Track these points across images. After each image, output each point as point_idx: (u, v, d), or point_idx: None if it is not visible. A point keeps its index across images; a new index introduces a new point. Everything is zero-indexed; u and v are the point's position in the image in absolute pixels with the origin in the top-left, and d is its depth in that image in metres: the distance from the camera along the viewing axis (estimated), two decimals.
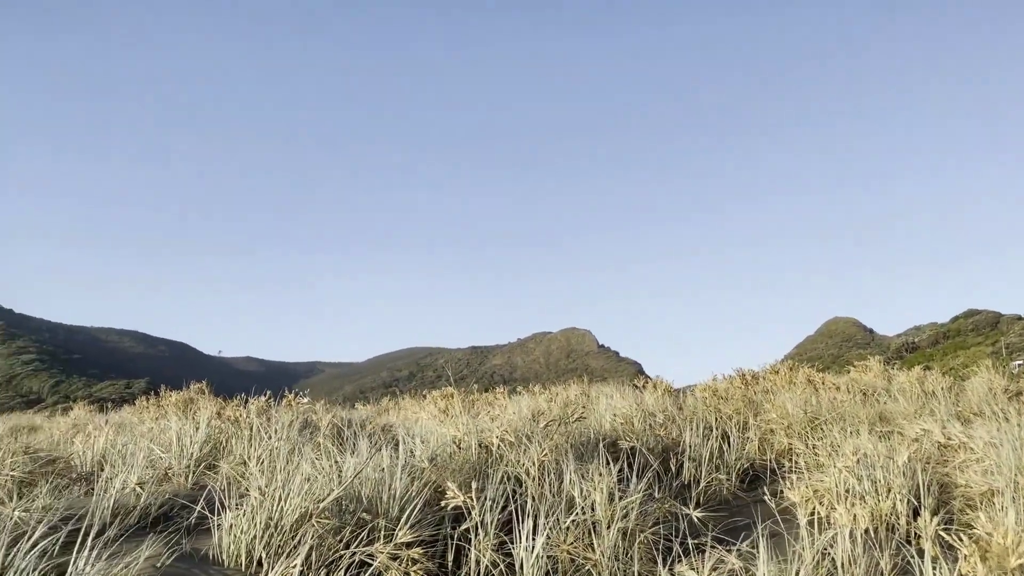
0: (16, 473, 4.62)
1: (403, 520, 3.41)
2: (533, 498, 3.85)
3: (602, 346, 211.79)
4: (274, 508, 3.36)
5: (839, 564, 3.27)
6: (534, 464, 4.27)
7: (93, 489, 4.77)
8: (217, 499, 3.66)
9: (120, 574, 2.70)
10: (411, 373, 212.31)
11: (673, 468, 5.33)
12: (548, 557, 3.44)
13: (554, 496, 3.93)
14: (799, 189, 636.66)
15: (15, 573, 2.58)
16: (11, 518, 3.29)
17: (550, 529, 3.48)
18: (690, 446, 5.65)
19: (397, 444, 4.48)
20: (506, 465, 4.36)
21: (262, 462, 4.57)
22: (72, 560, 2.67)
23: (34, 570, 2.61)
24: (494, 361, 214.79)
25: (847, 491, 4.41)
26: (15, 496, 3.90)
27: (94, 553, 2.68)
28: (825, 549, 3.34)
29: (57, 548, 2.90)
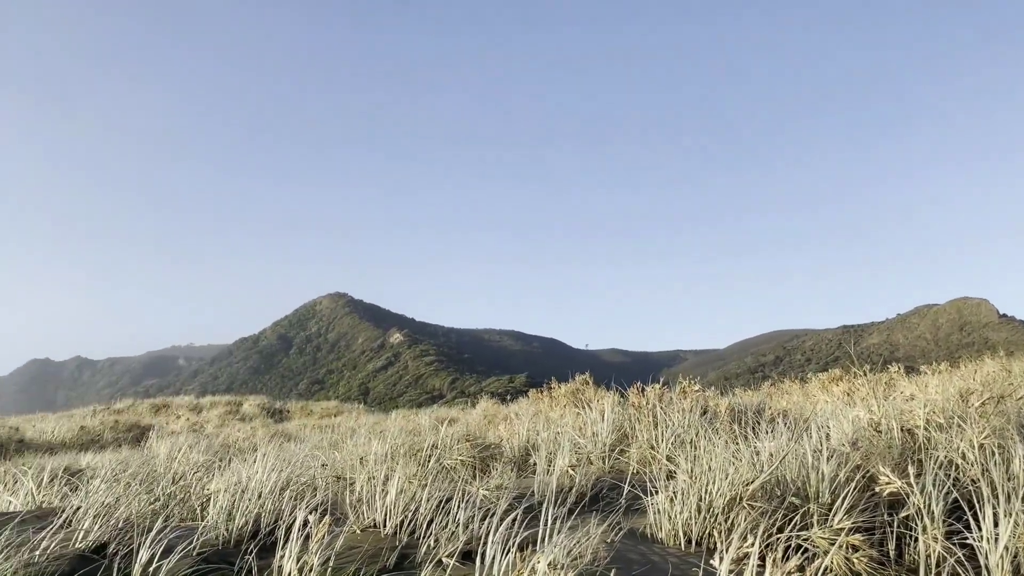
0: (463, 458, 5.36)
1: (836, 505, 3.31)
2: (973, 482, 3.49)
3: (1004, 316, 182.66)
4: (703, 491, 3.47)
5: None
6: (972, 447, 3.86)
7: (524, 471, 5.34)
8: (649, 482, 3.89)
9: (582, 545, 2.99)
10: (777, 357, 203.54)
11: None
12: (1006, 548, 3.09)
13: (1004, 482, 3.51)
14: None
15: (495, 540, 2.97)
16: (477, 495, 3.82)
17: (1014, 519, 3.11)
18: None
19: (807, 429, 4.36)
20: (937, 448, 4.00)
21: (671, 446, 4.74)
22: (540, 531, 3.02)
23: (508, 540, 2.99)
24: (870, 340, 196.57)
25: None
26: (471, 478, 4.52)
27: (556, 526, 3.00)
28: None
29: (518, 521, 3.29)
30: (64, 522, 3.71)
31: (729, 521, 3.35)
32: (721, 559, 2.63)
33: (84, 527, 3.66)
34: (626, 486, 4.22)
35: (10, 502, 5.07)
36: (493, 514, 3.39)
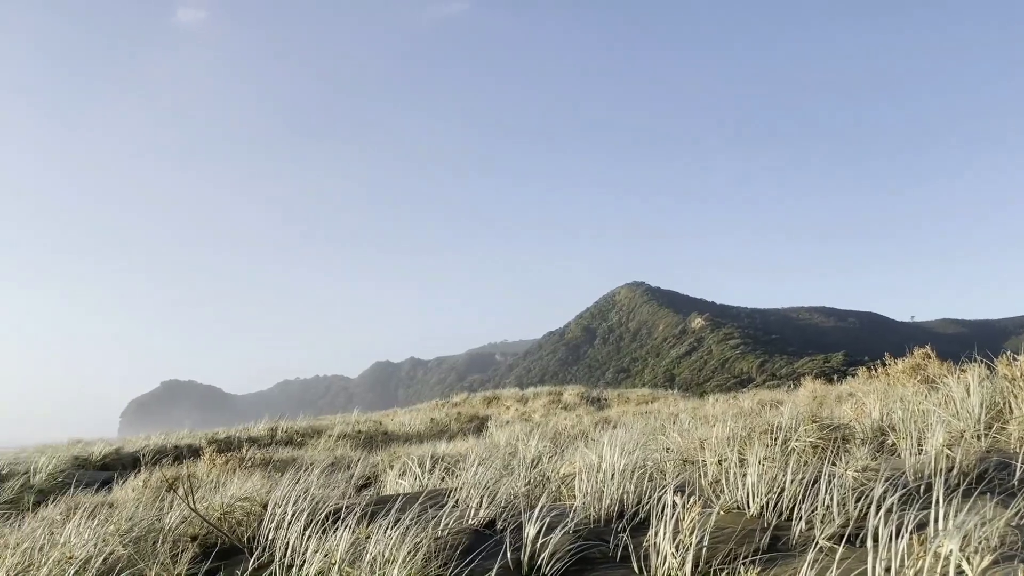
0: (812, 439, 5.16)
1: None
2: None
3: None
4: None
5: None
6: None
7: (880, 452, 5.00)
8: None
9: (986, 529, 2.73)
10: None
11: None
12: None
13: None
14: None
15: (874, 527, 2.79)
16: (846, 477, 3.67)
17: None
18: None
19: None
20: None
21: None
22: (931, 512, 2.80)
23: (896, 523, 2.80)
24: None
25: None
26: (825, 459, 4.33)
27: (951, 507, 2.76)
28: None
29: (900, 503, 3.08)
30: (454, 502, 4.19)
31: None
32: None
33: (473, 506, 4.11)
34: (1018, 464, 3.77)
35: (401, 484, 5.86)
36: (867, 495, 3.23)
